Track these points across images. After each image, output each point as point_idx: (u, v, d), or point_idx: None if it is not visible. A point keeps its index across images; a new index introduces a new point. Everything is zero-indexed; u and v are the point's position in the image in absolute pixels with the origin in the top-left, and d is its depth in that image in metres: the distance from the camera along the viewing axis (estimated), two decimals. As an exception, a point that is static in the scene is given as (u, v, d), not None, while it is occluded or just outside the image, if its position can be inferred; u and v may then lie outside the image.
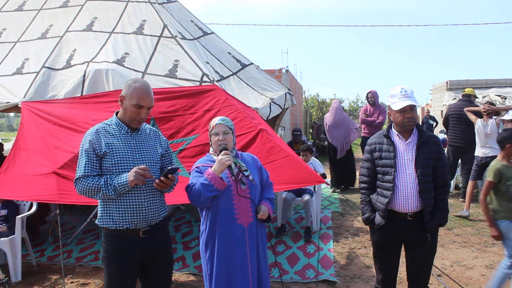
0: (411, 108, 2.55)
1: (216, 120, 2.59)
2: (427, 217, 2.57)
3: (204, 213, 2.55)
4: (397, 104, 2.55)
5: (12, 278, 3.83)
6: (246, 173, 2.50)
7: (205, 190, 2.37)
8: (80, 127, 3.63)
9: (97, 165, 2.25)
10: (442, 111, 11.68)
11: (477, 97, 7.62)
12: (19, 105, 4.08)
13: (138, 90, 2.28)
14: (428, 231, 2.59)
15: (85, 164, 2.23)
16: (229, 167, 2.45)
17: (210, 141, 2.61)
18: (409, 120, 2.56)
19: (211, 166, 2.45)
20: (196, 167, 2.57)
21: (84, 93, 4.12)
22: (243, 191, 2.48)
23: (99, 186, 2.19)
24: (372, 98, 7.67)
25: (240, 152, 2.69)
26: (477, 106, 6.81)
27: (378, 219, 2.67)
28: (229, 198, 2.47)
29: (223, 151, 2.45)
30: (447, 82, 13.31)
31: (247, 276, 2.47)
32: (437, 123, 11.56)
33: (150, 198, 2.31)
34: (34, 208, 4.27)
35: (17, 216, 4.04)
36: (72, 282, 3.87)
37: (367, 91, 7.87)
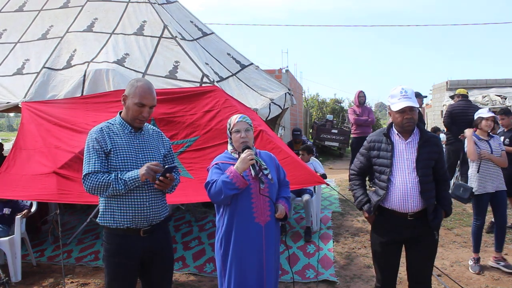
0: (411, 109, 2.55)
1: (236, 118, 2.59)
2: (430, 216, 2.58)
3: (221, 210, 2.55)
4: (397, 104, 2.55)
5: (12, 278, 3.83)
6: (266, 172, 2.50)
7: (226, 188, 2.37)
8: (81, 127, 3.64)
9: (105, 162, 2.26)
10: (442, 111, 11.68)
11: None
12: (19, 105, 4.08)
13: (141, 88, 2.30)
14: (434, 229, 2.61)
15: (94, 160, 2.23)
16: (251, 165, 2.44)
17: (230, 138, 2.61)
18: (408, 121, 2.56)
19: (231, 164, 2.46)
20: (215, 164, 2.56)
21: (84, 93, 4.12)
22: (263, 190, 2.48)
23: (109, 181, 2.19)
24: (364, 97, 7.91)
25: (258, 150, 2.69)
26: (477, 105, 6.88)
27: (367, 207, 2.70)
28: (248, 196, 2.47)
29: (246, 149, 2.45)
30: (447, 82, 13.33)
31: (261, 275, 2.48)
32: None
33: (151, 198, 2.32)
34: (34, 208, 4.28)
35: (17, 216, 4.05)
36: (72, 282, 3.87)
37: (358, 90, 8.02)
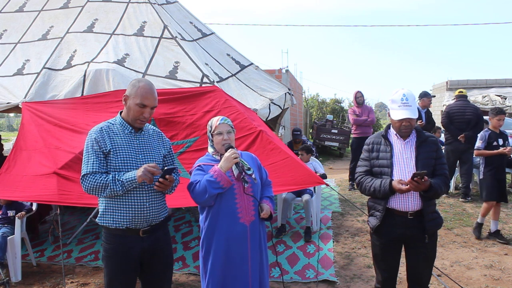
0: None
1: (218, 120, 2.57)
2: (427, 216, 2.57)
3: (204, 211, 2.54)
4: (396, 113, 2.59)
5: (12, 278, 3.83)
6: (249, 172, 2.49)
7: (210, 187, 2.36)
8: (81, 128, 3.64)
9: (104, 162, 2.26)
10: (442, 111, 11.71)
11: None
12: (19, 106, 4.09)
13: (142, 89, 2.30)
14: (426, 231, 2.58)
15: (93, 161, 2.24)
16: (234, 164, 2.44)
17: (211, 141, 2.60)
18: (406, 128, 2.60)
19: (214, 165, 2.46)
20: (198, 166, 2.56)
21: (84, 93, 4.12)
22: (246, 189, 2.47)
23: (107, 182, 2.20)
24: (361, 97, 7.84)
25: (239, 151, 2.68)
26: (474, 105, 6.91)
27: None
28: (232, 196, 2.46)
29: (230, 149, 2.45)
30: (447, 82, 13.35)
31: (246, 275, 2.47)
32: None
33: (151, 198, 2.33)
34: (34, 208, 4.28)
35: (17, 216, 4.06)
36: (72, 282, 3.87)
37: (355, 91, 7.97)
